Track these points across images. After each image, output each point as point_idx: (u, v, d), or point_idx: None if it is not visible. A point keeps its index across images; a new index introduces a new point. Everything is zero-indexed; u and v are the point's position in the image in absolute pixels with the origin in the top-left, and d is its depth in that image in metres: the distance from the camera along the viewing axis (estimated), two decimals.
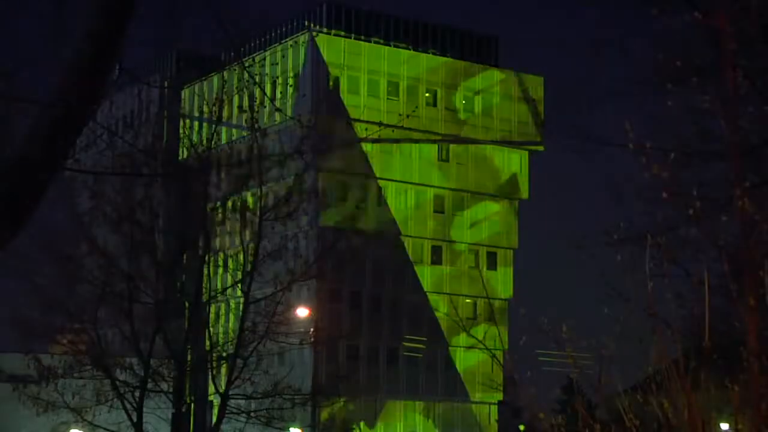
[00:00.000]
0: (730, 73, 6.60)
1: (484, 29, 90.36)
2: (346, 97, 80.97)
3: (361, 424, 72.63)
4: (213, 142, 35.52)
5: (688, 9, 7.46)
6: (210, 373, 35.25)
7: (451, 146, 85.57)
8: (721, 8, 6.23)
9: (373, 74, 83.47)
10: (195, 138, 36.91)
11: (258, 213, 34.22)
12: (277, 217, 34.68)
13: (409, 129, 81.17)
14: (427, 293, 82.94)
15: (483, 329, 77.42)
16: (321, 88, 79.19)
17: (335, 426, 66.49)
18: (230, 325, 35.93)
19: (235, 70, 34.99)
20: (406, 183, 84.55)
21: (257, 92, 33.57)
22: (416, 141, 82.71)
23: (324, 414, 50.11)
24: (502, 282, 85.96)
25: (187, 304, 34.30)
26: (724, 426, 6.56)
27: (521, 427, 66.22)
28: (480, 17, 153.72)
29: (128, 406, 32.54)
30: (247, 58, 33.93)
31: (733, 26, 6.30)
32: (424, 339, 79.20)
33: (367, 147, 79.81)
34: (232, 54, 30.40)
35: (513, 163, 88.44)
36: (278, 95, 70.10)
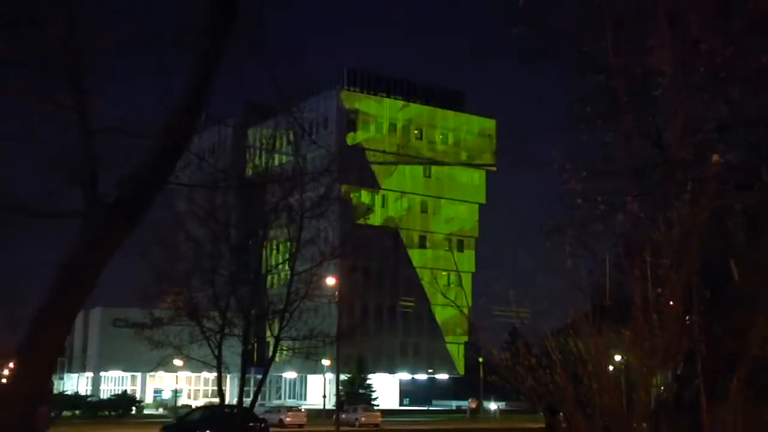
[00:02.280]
0: (623, 118, 6.59)
1: (456, 85, 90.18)
2: (360, 133, 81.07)
3: None
4: (269, 164, 35.60)
5: (594, 74, 7.46)
6: (267, 322, 35.26)
7: (432, 167, 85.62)
8: (617, 73, 6.24)
9: (379, 117, 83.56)
10: (257, 161, 36.99)
11: (300, 213, 34.31)
12: (313, 216, 34.64)
13: (403, 155, 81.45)
14: (416, 268, 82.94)
15: (454, 292, 77.71)
16: (343, 127, 79.33)
17: (352, 359, 66.60)
18: (281, 289, 35.83)
19: (284, 115, 35.01)
20: (402, 192, 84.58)
21: (299, 130, 33.67)
22: (408, 163, 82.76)
23: (345, 351, 50.10)
24: (467, 260, 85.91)
25: (251, 275, 34.30)
26: (618, 358, 6.53)
27: (480, 360, 66.10)
28: (454, 73, 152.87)
29: (212, 344, 32.55)
30: (292, 106, 33.89)
31: (625, 85, 6.30)
32: (414, 299, 79.17)
33: (374, 167, 79.91)
34: (283, 104, 30.41)
35: (474, 178, 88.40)
36: (314, 131, 70.09)
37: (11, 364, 11.06)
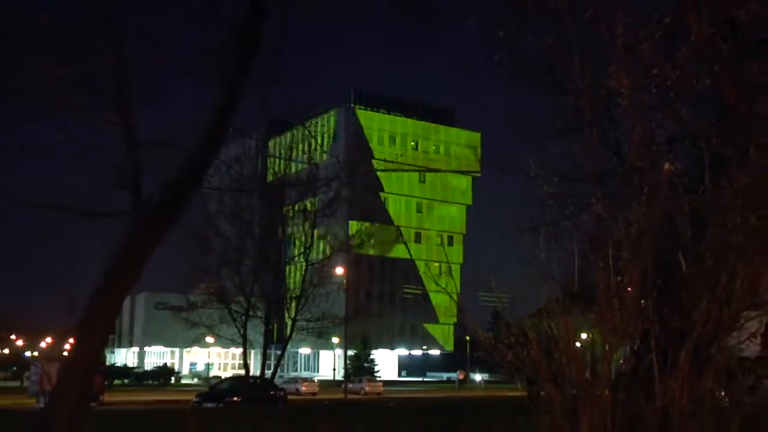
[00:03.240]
0: (588, 132, 6.63)
1: (446, 103, 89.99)
2: (365, 144, 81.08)
3: None
4: (286, 171, 35.64)
5: (564, 95, 7.47)
6: (285, 306, 35.32)
7: (426, 173, 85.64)
8: (583, 95, 6.27)
9: (381, 131, 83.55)
10: (276, 168, 37.00)
11: (313, 213, 34.35)
12: (325, 215, 34.70)
13: (402, 163, 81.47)
14: (413, 259, 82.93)
15: (445, 280, 77.66)
16: (350, 141, 79.25)
17: (358, 337, 66.58)
18: (297, 278, 35.89)
19: (299, 128, 35.02)
20: (400, 195, 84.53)
21: (313, 142, 33.67)
22: (406, 170, 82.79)
23: (351, 330, 50.12)
24: (456, 253, 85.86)
25: (272, 266, 34.34)
26: (584, 336, 6.56)
27: (467, 338, 66.06)
28: (445, 91, 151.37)
29: (238, 325, 32.62)
30: (307, 121, 33.99)
31: (589, 105, 6.33)
32: (414, 287, 79.17)
33: (378, 173, 79.89)
34: (299, 120, 30.43)
35: (462, 183, 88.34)
36: (325, 143, 70.09)
37: (71, 340, 11.12)
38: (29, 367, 46.74)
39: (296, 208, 35.10)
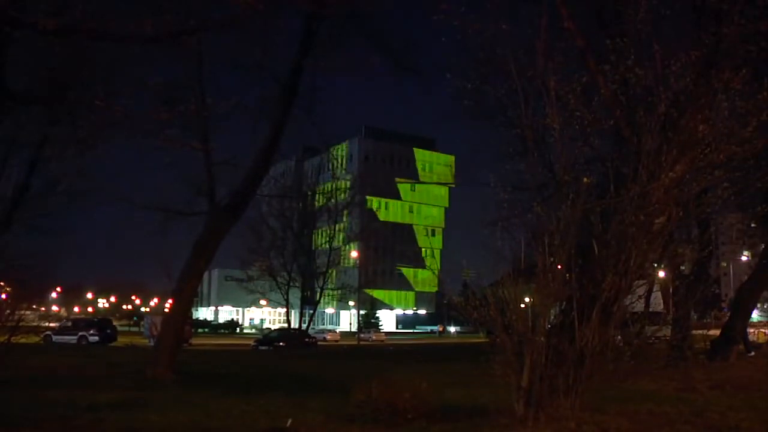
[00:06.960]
0: (531, 155, 6.65)
1: (430, 133, 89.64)
2: (370, 164, 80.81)
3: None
4: (316, 182, 35.61)
5: (513, 128, 7.50)
6: (315, 278, 35.38)
7: (416, 184, 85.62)
8: (527, 129, 6.31)
9: (383, 154, 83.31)
10: (309, 181, 36.97)
11: (335, 212, 34.37)
12: (344, 214, 34.71)
13: (399, 177, 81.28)
14: (407, 246, 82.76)
15: (429, 260, 77.41)
16: (361, 162, 79.11)
17: (368, 301, 66.46)
18: (323, 259, 35.90)
19: (325, 153, 35.06)
20: (398, 200, 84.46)
21: (335, 162, 33.69)
22: (404, 182, 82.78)
23: (362, 296, 50.03)
24: (437, 241, 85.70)
25: (306, 250, 34.33)
26: (527, 299, 6.61)
27: (445, 301, 65.96)
28: (427, 124, 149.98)
29: (283, 292, 32.65)
30: (331, 146, 34.16)
31: (532, 136, 6.38)
32: (410, 265, 78.96)
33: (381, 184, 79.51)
34: (326, 147, 30.52)
35: (442, 192, 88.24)
36: (344, 163, 69.97)
37: (170, 301, 11.38)
38: (144, 317, 47.33)
39: (323, 208, 35.14)
